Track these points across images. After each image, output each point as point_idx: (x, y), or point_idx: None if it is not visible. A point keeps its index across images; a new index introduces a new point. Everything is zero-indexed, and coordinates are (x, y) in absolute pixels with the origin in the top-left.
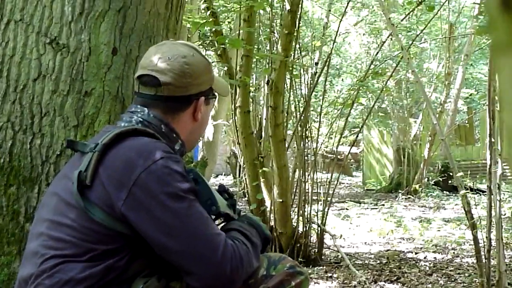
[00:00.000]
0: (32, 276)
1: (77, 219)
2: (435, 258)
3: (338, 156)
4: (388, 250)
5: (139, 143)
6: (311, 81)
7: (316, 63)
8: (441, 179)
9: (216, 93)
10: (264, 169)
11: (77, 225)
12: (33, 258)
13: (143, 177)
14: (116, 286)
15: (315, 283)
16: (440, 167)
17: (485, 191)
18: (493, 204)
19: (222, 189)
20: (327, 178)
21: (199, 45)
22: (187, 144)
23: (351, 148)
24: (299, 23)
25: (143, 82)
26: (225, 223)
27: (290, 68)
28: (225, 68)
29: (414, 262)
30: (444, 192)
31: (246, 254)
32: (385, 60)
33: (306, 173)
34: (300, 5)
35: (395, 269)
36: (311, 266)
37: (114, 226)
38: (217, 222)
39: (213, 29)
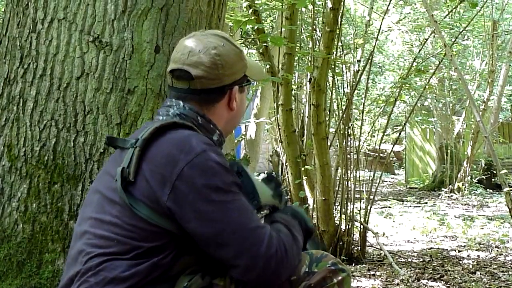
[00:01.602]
0: (78, 274)
1: (121, 216)
2: (478, 256)
3: (381, 154)
4: (431, 248)
5: (179, 137)
6: (353, 79)
7: (359, 61)
8: (484, 177)
9: (251, 79)
10: (306, 167)
11: (121, 222)
12: (79, 257)
13: (186, 171)
14: (160, 284)
15: (357, 281)
16: (483, 165)
17: None
18: None
19: (270, 178)
20: (369, 176)
21: (241, 43)
22: (225, 133)
23: (393, 146)
24: (341, 20)
25: (176, 77)
26: (269, 214)
27: (332, 66)
28: (267, 66)
29: (457, 260)
30: (488, 190)
31: (291, 247)
32: (428, 58)
33: (349, 171)
34: (342, 3)
35: (438, 267)
36: (353, 264)
37: (159, 222)
38: (262, 213)
39: (255, 27)
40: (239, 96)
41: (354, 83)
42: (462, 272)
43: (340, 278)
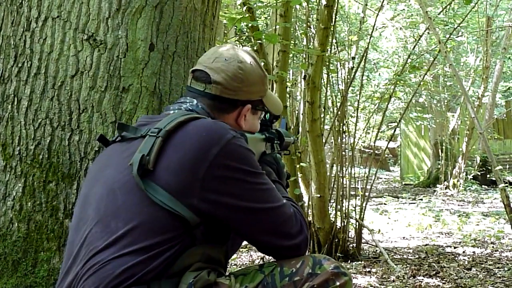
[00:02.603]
0: (82, 270)
1: (136, 204)
2: (474, 252)
3: (376, 151)
4: (426, 244)
5: (206, 123)
6: (348, 76)
7: (353, 58)
8: (479, 173)
9: (265, 108)
10: (301, 164)
11: (137, 210)
12: (81, 254)
13: (221, 156)
14: (166, 278)
15: (353, 278)
16: (478, 161)
17: None
18: None
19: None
20: (364, 173)
21: (235, 40)
22: None
23: (388, 142)
24: (335, 17)
25: (195, 77)
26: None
27: (327, 63)
28: (262, 64)
29: (452, 256)
30: (483, 186)
31: (302, 216)
32: (422, 54)
33: (344, 168)
34: (336, 0)
35: (433, 264)
36: (349, 261)
37: (179, 210)
38: None
39: (250, 25)
40: (250, 117)
41: (348, 80)
42: (457, 268)
43: (342, 281)
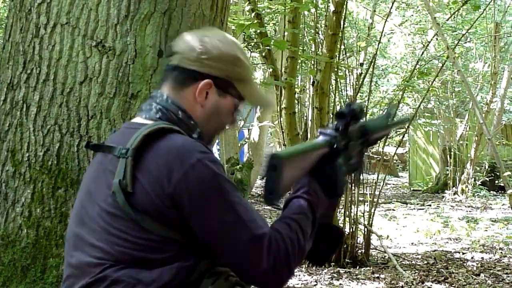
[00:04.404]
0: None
1: (128, 231)
2: (482, 258)
3: (384, 157)
4: (435, 250)
5: (173, 145)
6: (357, 82)
7: (361, 64)
8: (488, 179)
9: (241, 96)
10: None
11: (130, 236)
12: (89, 268)
13: (182, 182)
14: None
15: (362, 284)
16: (487, 167)
17: None
18: None
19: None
20: (373, 179)
21: (244, 47)
22: (204, 135)
23: (397, 148)
24: (344, 24)
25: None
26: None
27: (335, 69)
28: (270, 70)
29: (461, 262)
30: (491, 192)
31: (293, 248)
32: (431, 60)
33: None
34: (344, 6)
35: (442, 270)
36: (358, 267)
37: (165, 233)
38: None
39: (258, 31)
40: (214, 97)
41: (357, 86)
42: (466, 274)
43: None
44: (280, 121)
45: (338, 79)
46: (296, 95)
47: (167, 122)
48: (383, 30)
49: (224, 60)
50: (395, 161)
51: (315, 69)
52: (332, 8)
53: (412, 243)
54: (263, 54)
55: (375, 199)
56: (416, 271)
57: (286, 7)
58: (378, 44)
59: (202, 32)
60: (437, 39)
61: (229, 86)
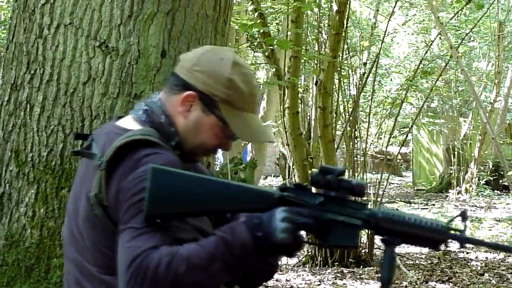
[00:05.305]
0: None
1: (106, 242)
2: (486, 257)
3: (388, 156)
4: (439, 250)
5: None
6: (360, 82)
7: (365, 63)
8: (492, 178)
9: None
10: (313, 170)
11: (105, 248)
12: (88, 277)
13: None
14: None
15: (365, 283)
16: (490, 166)
17: None
18: None
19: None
20: (376, 179)
21: (247, 47)
22: (185, 148)
23: (400, 148)
24: (347, 23)
25: None
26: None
27: (339, 69)
28: (273, 70)
29: (465, 262)
30: (495, 191)
31: (166, 269)
32: (434, 60)
33: (356, 174)
34: (348, 6)
35: (446, 269)
36: (361, 267)
37: None
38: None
39: (261, 31)
40: (198, 113)
41: (360, 86)
42: (470, 274)
43: None
44: (284, 120)
45: (341, 79)
46: (299, 95)
47: (146, 131)
48: (386, 30)
49: (213, 77)
50: (398, 161)
51: (318, 68)
52: (335, 7)
53: None
54: (266, 53)
55: (379, 199)
56: (420, 270)
57: (289, 7)
58: (381, 43)
59: (213, 48)
60: (440, 38)
61: (214, 106)
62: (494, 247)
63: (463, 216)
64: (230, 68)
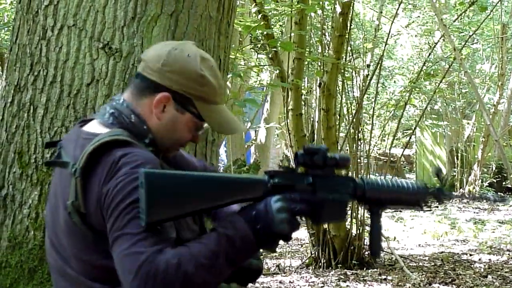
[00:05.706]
0: None
1: (91, 254)
2: (489, 260)
3: (391, 158)
4: (442, 252)
5: (111, 161)
6: (363, 83)
7: (368, 65)
8: (495, 180)
9: (200, 115)
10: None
11: (93, 260)
12: (74, 286)
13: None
14: None
15: (369, 285)
16: (494, 168)
17: None
18: None
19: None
20: None
21: (250, 48)
22: (158, 145)
23: (404, 150)
24: (350, 25)
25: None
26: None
27: (342, 71)
28: (277, 71)
29: (468, 264)
30: (498, 193)
31: (174, 268)
32: (437, 62)
33: (359, 176)
34: (351, 8)
35: (449, 271)
36: (365, 269)
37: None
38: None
39: (265, 33)
40: (172, 113)
41: (364, 88)
42: (473, 276)
43: None
44: (287, 122)
45: (345, 81)
46: (303, 97)
47: (116, 131)
48: (389, 32)
49: (186, 76)
50: (402, 163)
51: (322, 70)
52: (338, 9)
53: (419, 245)
54: (270, 55)
55: None
56: (423, 272)
57: (293, 9)
58: (385, 45)
59: (175, 44)
60: (444, 40)
61: (189, 104)
62: (475, 198)
63: (438, 174)
64: (199, 63)
